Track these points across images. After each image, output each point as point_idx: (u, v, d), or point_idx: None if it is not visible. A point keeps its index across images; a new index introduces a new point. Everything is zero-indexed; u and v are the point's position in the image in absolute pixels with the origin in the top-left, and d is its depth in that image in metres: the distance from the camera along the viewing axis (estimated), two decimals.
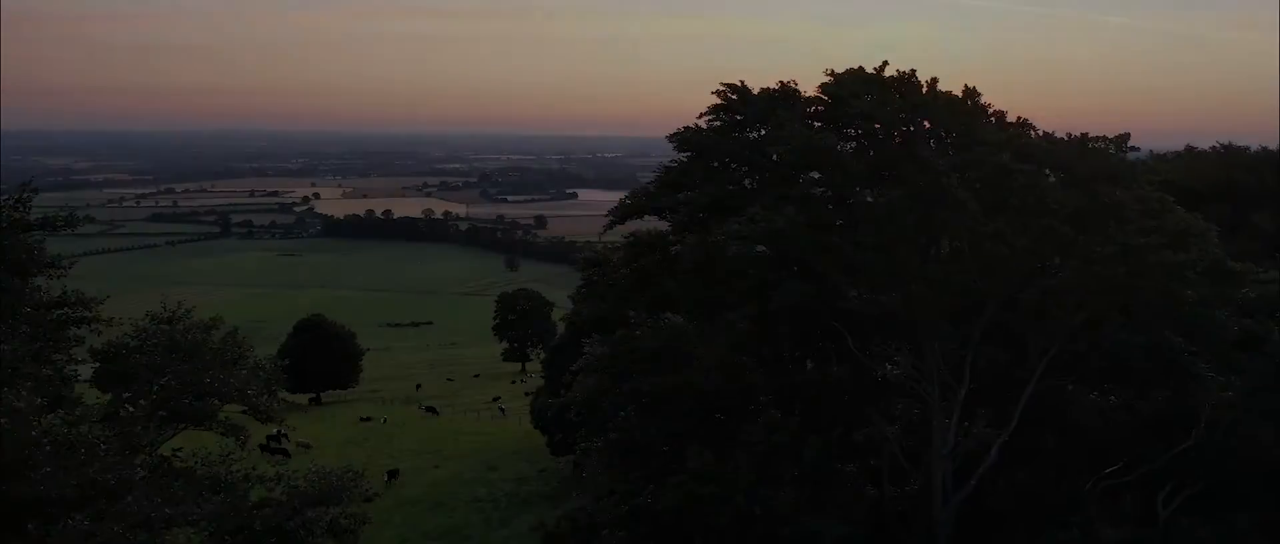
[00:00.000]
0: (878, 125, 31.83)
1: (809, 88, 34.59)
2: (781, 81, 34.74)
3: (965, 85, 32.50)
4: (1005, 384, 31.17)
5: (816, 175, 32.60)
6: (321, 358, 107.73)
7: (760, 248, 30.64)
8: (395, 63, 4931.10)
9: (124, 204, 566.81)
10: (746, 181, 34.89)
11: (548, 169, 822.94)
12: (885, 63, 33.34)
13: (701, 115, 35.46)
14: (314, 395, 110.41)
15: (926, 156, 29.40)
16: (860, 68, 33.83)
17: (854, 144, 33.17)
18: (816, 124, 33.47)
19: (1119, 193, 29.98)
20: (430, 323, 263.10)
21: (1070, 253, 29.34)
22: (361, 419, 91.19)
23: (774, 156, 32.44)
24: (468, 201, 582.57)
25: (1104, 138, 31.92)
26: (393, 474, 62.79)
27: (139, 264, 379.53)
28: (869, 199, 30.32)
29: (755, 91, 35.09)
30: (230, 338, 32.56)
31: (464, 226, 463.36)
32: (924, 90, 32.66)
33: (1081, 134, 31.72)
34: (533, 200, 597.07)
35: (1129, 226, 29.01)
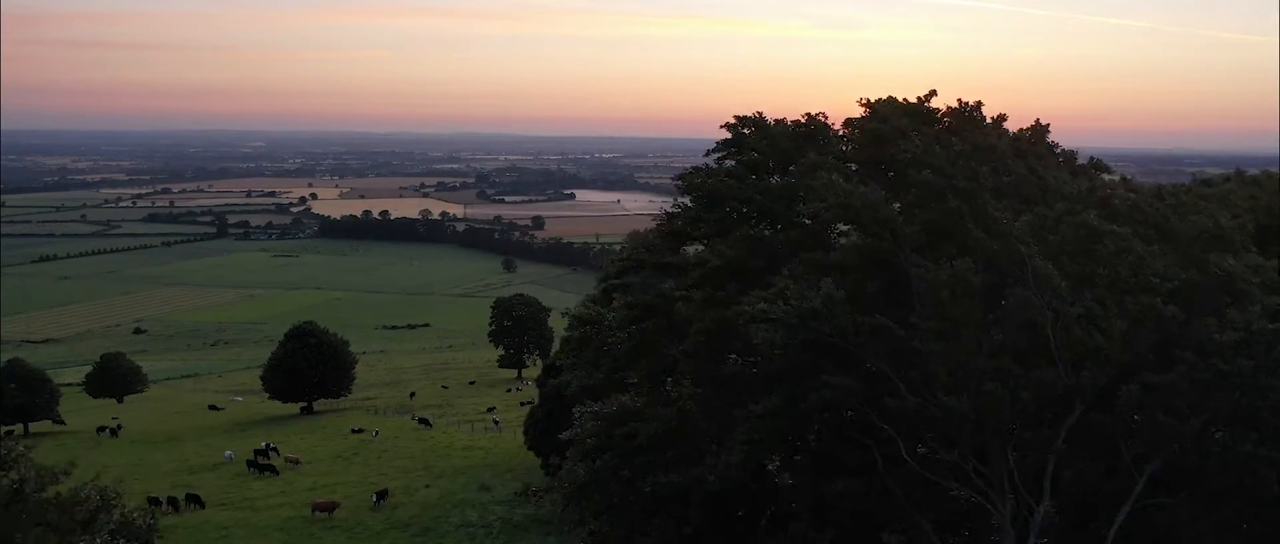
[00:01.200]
0: (928, 171, 26.31)
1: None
2: (808, 114, 29.95)
3: (1036, 121, 27.56)
4: (1095, 500, 25.36)
5: (854, 232, 27.18)
6: (313, 366, 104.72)
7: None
8: (394, 62, 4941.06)
9: (121, 204, 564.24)
10: (766, 230, 29.59)
11: (545, 169, 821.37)
12: (932, 92, 28.38)
13: (710, 152, 30.56)
14: (305, 404, 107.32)
15: (997, 216, 23.95)
16: (904, 99, 28.57)
17: (894, 192, 27.65)
18: (851, 166, 28.30)
19: (1229, 261, 24.28)
20: (427, 325, 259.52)
21: (1179, 340, 23.53)
22: (353, 431, 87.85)
23: (804, 211, 27.39)
24: (465, 202, 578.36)
25: (1203, 192, 26.22)
26: (382, 495, 58.58)
27: (136, 265, 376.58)
28: (926, 269, 24.54)
29: (771, 121, 30.08)
30: (86, 491, 22.72)
31: (461, 227, 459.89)
32: (979, 126, 27.34)
33: (1174, 187, 26.39)
34: (530, 201, 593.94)
35: (1252, 307, 23.22)
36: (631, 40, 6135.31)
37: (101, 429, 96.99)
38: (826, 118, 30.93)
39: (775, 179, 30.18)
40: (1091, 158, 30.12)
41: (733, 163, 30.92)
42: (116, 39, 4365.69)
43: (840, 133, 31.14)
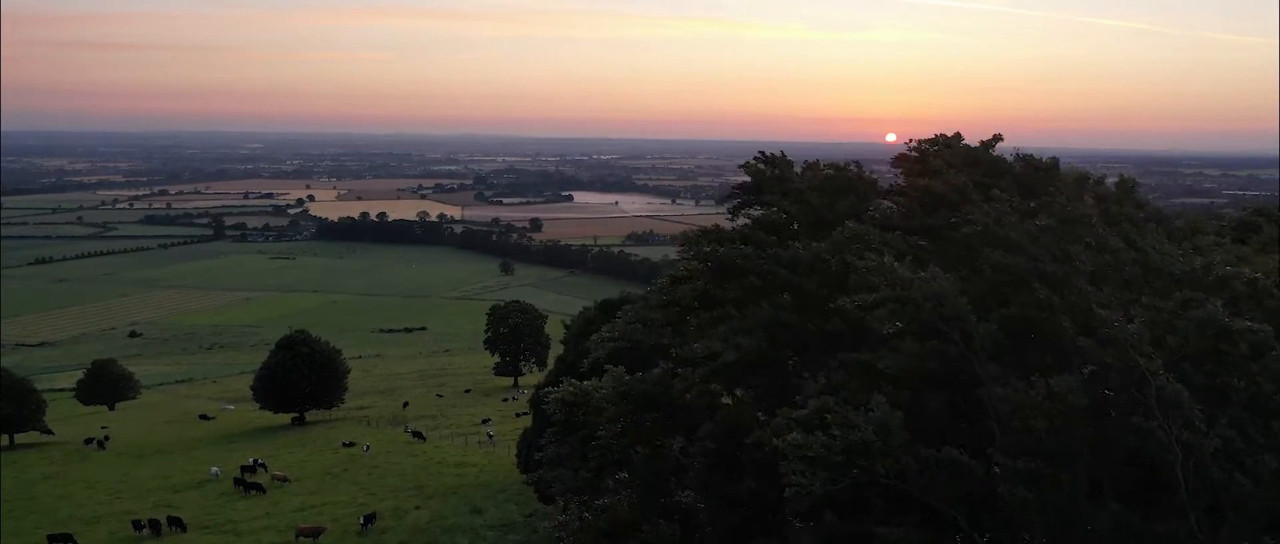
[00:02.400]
0: (1004, 249, 21.33)
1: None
2: (840, 165, 26.58)
3: (1120, 176, 23.98)
4: None
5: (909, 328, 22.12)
6: (304, 376, 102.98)
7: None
8: (393, 63, 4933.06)
9: (118, 206, 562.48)
10: (794, 314, 25.20)
11: (543, 171, 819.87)
12: (997, 137, 24.87)
13: (723, 200, 27.41)
14: (297, 415, 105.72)
15: (1103, 315, 19.02)
16: (963, 144, 24.85)
17: (958, 271, 23.38)
18: (896, 231, 23.87)
19: None
20: (423, 328, 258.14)
21: None
22: (344, 444, 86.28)
23: (847, 304, 22.12)
24: (463, 204, 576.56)
25: None
26: (370, 518, 57.10)
27: (132, 267, 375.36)
28: (1012, 388, 19.17)
29: (798, 167, 26.62)
30: None
31: (459, 229, 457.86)
32: (1058, 185, 23.09)
33: None
34: (528, 203, 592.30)
35: None
36: (631, 41, 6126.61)
37: (89, 441, 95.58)
38: (861, 167, 26.84)
39: (799, 245, 25.04)
40: (1189, 217, 25.80)
41: (749, 220, 26.57)
42: (116, 39, 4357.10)
43: (875, 177, 27.10)
